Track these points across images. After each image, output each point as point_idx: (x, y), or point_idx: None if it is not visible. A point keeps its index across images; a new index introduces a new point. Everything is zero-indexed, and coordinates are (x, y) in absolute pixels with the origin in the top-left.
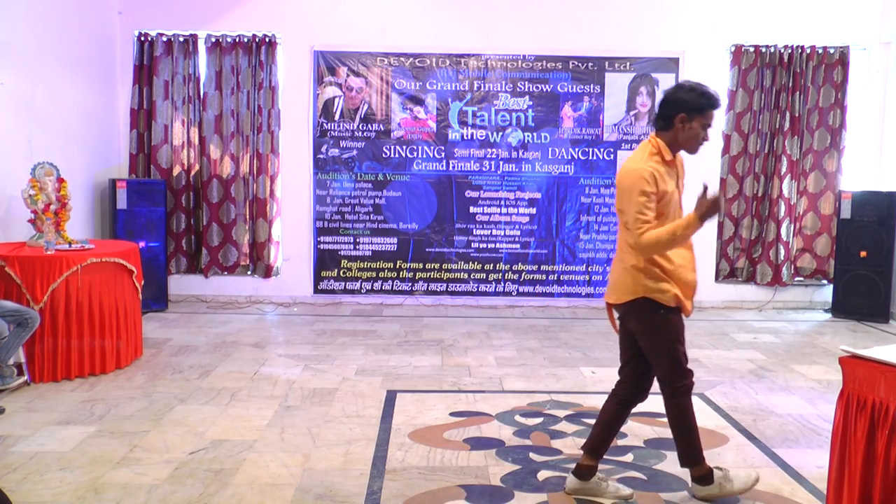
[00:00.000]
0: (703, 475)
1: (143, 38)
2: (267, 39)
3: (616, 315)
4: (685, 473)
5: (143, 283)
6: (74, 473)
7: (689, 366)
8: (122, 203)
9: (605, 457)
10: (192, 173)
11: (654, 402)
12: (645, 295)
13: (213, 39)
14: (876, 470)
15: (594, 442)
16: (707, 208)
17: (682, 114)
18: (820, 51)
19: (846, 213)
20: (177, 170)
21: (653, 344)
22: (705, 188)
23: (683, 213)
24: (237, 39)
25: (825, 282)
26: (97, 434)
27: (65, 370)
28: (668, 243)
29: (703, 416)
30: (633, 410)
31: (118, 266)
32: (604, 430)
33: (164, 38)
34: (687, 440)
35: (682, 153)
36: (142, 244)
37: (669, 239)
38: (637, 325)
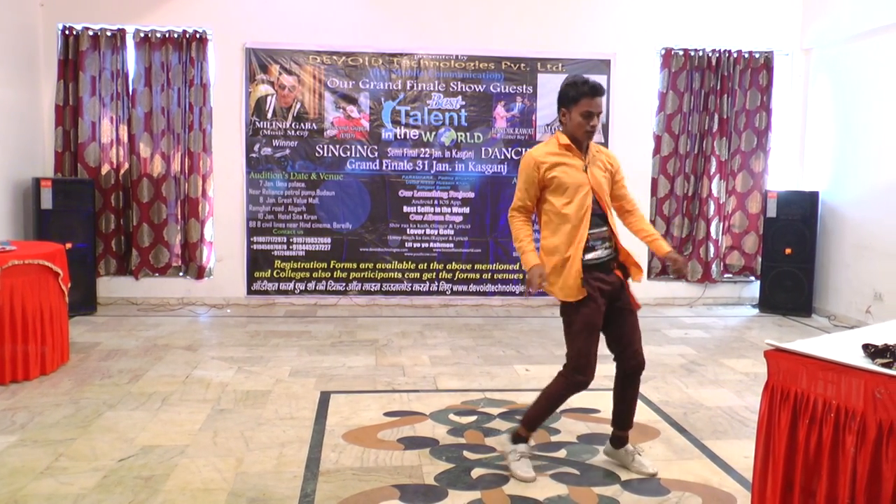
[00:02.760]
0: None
1: (67, 32)
2: (198, 35)
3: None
4: (617, 468)
5: (69, 285)
6: None
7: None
8: (47, 203)
9: (538, 454)
10: (122, 172)
11: (590, 397)
12: None
13: (142, 34)
14: (797, 458)
15: (619, 415)
16: (531, 278)
17: (562, 108)
18: (746, 55)
19: (772, 212)
20: (105, 168)
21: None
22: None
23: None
24: (167, 35)
25: (753, 278)
26: (19, 443)
27: None
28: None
29: (636, 411)
30: (567, 406)
31: (42, 268)
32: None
33: (91, 32)
34: (635, 406)
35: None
36: (69, 245)
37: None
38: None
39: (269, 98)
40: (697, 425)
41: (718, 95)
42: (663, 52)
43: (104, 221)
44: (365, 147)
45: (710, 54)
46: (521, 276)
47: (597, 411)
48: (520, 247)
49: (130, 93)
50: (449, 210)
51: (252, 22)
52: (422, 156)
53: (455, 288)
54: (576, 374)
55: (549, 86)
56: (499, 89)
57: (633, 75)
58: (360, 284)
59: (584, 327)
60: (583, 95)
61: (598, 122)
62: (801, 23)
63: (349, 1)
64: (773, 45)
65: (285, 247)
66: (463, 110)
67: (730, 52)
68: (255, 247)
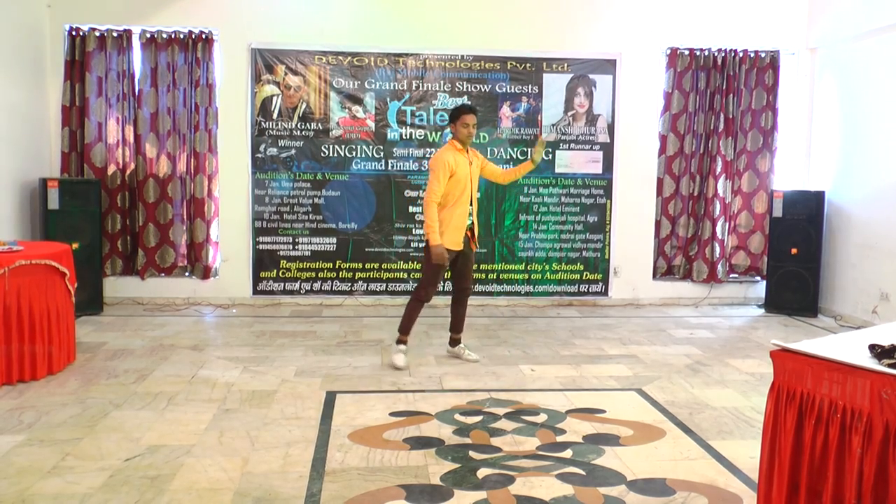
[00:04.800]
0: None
1: (74, 33)
2: (203, 36)
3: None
4: (623, 468)
5: (76, 285)
6: None
7: (629, 361)
8: (53, 203)
9: (544, 454)
10: (128, 172)
11: (596, 397)
12: None
13: (149, 35)
14: (803, 458)
15: (456, 324)
16: (434, 256)
17: (451, 123)
18: (752, 55)
19: (778, 212)
20: (111, 169)
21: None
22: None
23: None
24: (173, 35)
25: (758, 278)
26: (26, 443)
27: None
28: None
29: (641, 411)
30: (573, 407)
31: (49, 268)
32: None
33: (97, 33)
34: (463, 316)
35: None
36: (75, 245)
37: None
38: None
39: (274, 98)
40: (703, 425)
41: (724, 95)
42: (669, 51)
43: (110, 221)
44: (370, 147)
45: (715, 54)
46: (526, 276)
47: (602, 411)
48: (433, 227)
49: (136, 93)
50: None
51: (258, 22)
52: (427, 156)
53: None
54: (419, 293)
55: (555, 86)
56: (504, 89)
57: (639, 75)
58: (365, 284)
59: (438, 267)
60: (462, 113)
61: (473, 130)
62: (807, 22)
63: (355, 1)
64: (778, 45)
65: (291, 247)
66: None
67: (735, 51)
68: (260, 247)
